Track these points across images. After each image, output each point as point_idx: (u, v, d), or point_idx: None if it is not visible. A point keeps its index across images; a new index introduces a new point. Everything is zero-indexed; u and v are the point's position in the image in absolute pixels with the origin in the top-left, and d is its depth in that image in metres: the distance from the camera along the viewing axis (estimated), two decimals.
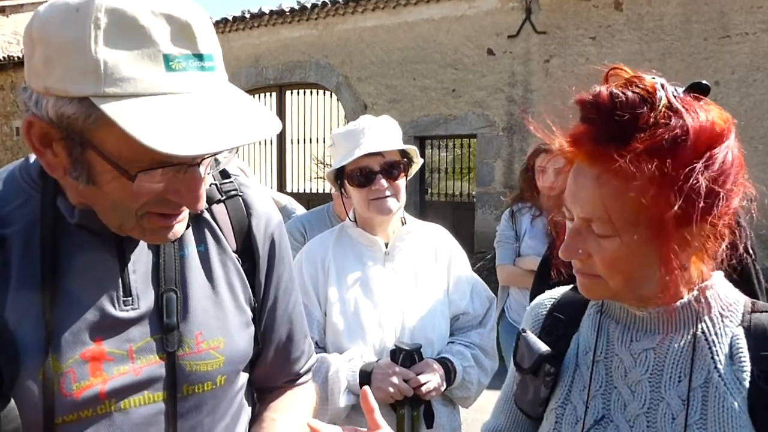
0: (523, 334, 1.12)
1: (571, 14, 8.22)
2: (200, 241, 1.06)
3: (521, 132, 8.60)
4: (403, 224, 2.01)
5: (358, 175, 1.89)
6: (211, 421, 1.05)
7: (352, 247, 1.97)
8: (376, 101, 9.80)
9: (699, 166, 0.86)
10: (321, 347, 1.89)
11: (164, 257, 1.01)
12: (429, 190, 10.04)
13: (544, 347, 1.08)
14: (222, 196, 1.10)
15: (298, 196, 11.13)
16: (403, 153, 1.95)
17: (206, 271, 1.05)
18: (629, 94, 0.89)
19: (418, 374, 1.77)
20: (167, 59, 0.79)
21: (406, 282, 1.92)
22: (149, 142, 0.75)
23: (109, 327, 0.95)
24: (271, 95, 11.38)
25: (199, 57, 0.82)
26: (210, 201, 1.08)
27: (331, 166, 2.00)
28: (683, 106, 0.89)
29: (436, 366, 1.81)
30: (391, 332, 1.86)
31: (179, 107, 0.79)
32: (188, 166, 0.87)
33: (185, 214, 0.96)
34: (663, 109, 0.88)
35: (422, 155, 9.60)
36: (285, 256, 1.19)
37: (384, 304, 1.88)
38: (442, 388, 1.82)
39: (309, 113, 11.07)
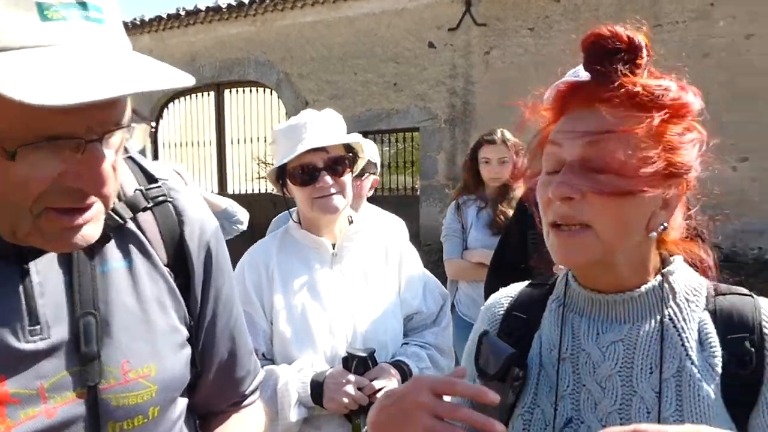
0: (486, 336, 1.04)
1: (510, 5, 8.27)
2: (124, 256, 0.93)
3: (463, 124, 8.64)
4: (350, 223, 1.91)
5: (300, 173, 1.77)
6: None
7: (297, 251, 1.85)
8: (318, 97, 9.64)
9: (689, 125, 0.93)
10: (269, 359, 1.78)
11: (79, 275, 0.87)
12: None
13: (510, 349, 1.00)
14: (149, 202, 0.97)
15: (240, 198, 10.90)
16: (348, 148, 1.85)
17: (132, 289, 0.93)
18: (638, 36, 0.92)
19: (372, 380, 1.67)
20: (41, 7, 0.67)
21: (355, 284, 1.82)
22: (13, 93, 0.61)
23: (12, 363, 0.80)
24: (209, 94, 11.04)
25: (83, 5, 0.70)
26: (135, 209, 0.96)
27: (273, 165, 1.88)
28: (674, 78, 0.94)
29: (392, 371, 1.73)
30: (342, 338, 1.76)
31: (55, 59, 0.67)
32: (86, 142, 0.72)
33: (95, 211, 0.79)
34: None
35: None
36: (224, 267, 1.08)
37: (333, 309, 1.78)
38: None
39: (249, 112, 10.83)
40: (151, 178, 1.01)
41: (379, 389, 1.67)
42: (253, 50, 10.25)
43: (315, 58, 9.70)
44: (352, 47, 9.37)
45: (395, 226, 2.48)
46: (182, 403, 1.02)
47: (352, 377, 1.66)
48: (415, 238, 9.17)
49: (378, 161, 2.85)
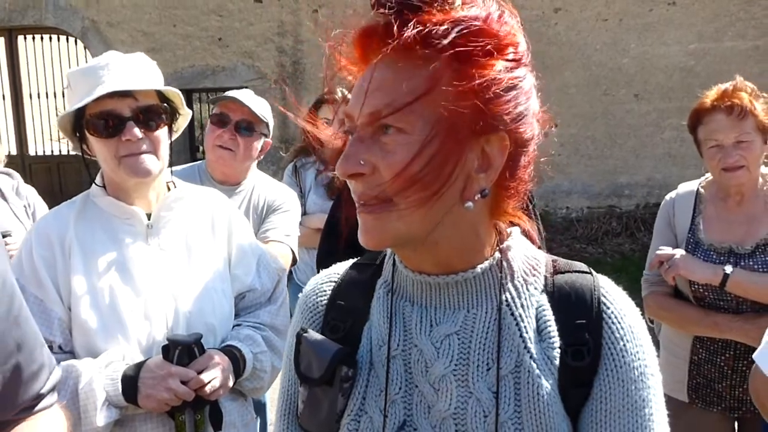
0: (304, 334, 0.87)
1: None
2: None
3: (294, 84, 8.37)
4: (169, 189, 1.64)
5: (101, 123, 1.46)
6: None
7: (101, 222, 1.54)
8: (132, 50, 8.52)
9: (502, 63, 0.76)
10: (67, 351, 1.47)
11: None
12: (201, 148, 9.41)
13: (334, 345, 0.85)
14: None
15: (45, 159, 9.78)
16: (164, 99, 1.56)
17: None
18: None
19: (199, 372, 1.45)
20: None
21: (176, 260, 1.56)
22: None
23: None
24: None
25: None
26: None
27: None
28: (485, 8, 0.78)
29: (221, 358, 1.51)
30: (161, 323, 1.50)
31: None
32: None
33: None
34: (458, 4, 0.76)
35: (191, 110, 8.93)
36: None
37: (149, 290, 1.51)
38: (231, 383, 1.52)
39: (51, 63, 9.64)
40: None
41: (207, 382, 1.45)
42: None
43: (126, 6, 8.80)
44: None
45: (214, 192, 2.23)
46: None
47: (174, 368, 1.42)
48: None
49: (271, 122, 2.56)
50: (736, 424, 2.17)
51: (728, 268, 1.97)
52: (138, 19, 8.78)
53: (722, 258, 2.05)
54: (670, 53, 7.79)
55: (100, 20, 8.92)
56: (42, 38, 9.57)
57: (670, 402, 2.41)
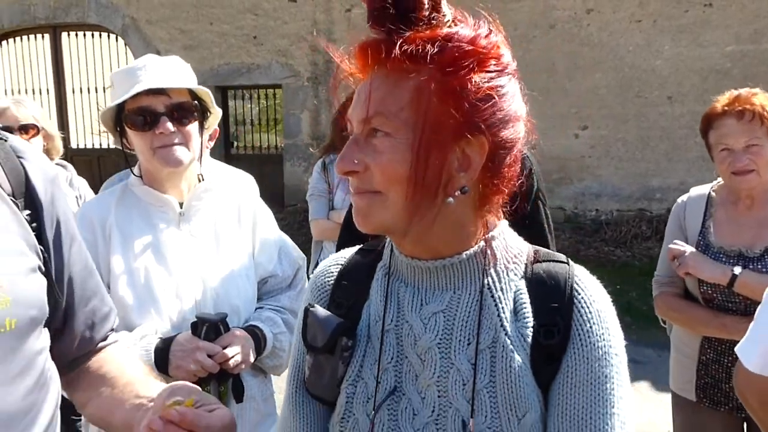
0: (311, 309, 0.99)
1: None
2: None
3: (327, 82, 8.51)
4: (200, 181, 1.77)
5: (137, 116, 1.60)
6: (7, 374, 0.95)
7: (138, 208, 1.69)
8: (170, 47, 9.00)
9: (481, 76, 0.85)
10: None
11: None
12: (235, 144, 9.61)
13: (336, 319, 0.97)
14: None
15: (86, 152, 10.08)
16: (195, 97, 1.70)
17: None
18: None
19: (224, 347, 1.58)
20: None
21: (205, 245, 1.70)
22: None
23: None
24: (43, 37, 9.94)
25: None
26: None
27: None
28: (473, 27, 0.88)
29: (244, 336, 1.64)
30: (190, 302, 1.64)
31: None
32: None
33: None
34: (448, 19, 0.87)
35: (225, 106, 9.14)
36: (69, 211, 1.13)
37: (181, 272, 1.65)
38: (252, 359, 1.65)
39: (93, 59, 9.91)
40: None
41: (231, 357, 1.58)
42: None
43: (165, 4, 9.03)
44: None
45: (246, 184, 2.36)
46: (43, 339, 1.05)
47: (201, 343, 1.56)
48: (280, 198, 9.07)
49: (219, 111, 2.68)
50: (745, 424, 2.20)
51: (737, 269, 1.99)
52: (176, 17, 9.01)
53: (732, 261, 2.07)
54: (706, 55, 7.68)
55: (140, 18, 9.18)
56: (84, 35, 9.83)
57: (679, 401, 2.42)
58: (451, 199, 0.88)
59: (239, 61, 8.86)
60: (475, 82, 0.85)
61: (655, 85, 7.88)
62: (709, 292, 2.10)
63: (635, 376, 4.91)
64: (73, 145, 10.15)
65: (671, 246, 2.15)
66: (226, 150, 9.19)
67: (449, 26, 0.87)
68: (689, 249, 2.11)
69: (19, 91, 10.23)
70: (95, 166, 10.00)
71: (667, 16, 7.77)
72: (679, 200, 2.32)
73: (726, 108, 2.07)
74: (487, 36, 0.88)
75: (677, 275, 2.17)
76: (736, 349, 1.38)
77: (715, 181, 2.27)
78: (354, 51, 0.91)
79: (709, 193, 2.23)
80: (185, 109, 1.64)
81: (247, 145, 9.65)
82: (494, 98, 0.86)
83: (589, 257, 7.56)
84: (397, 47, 0.83)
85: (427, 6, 0.85)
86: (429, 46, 0.84)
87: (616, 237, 7.85)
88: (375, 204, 0.89)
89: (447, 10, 0.88)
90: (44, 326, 1.06)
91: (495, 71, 0.87)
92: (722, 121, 2.08)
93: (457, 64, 0.84)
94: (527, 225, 2.10)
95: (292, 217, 8.29)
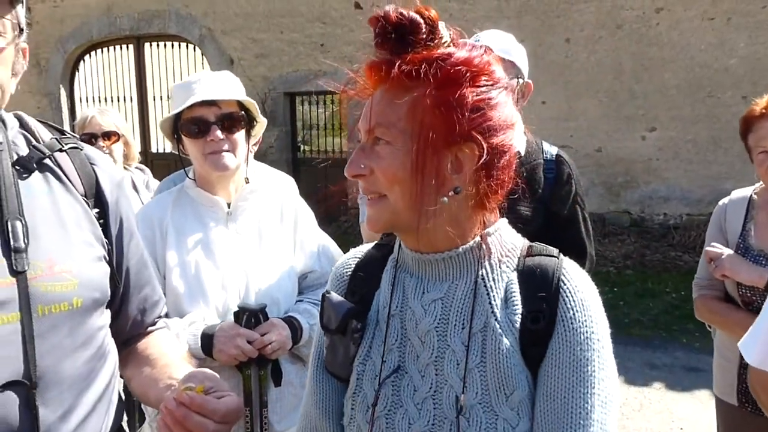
0: (327, 295, 1.12)
1: None
2: (46, 183, 1.17)
3: None
4: (246, 183, 1.95)
5: (191, 125, 1.80)
6: (72, 344, 1.12)
7: (192, 208, 1.88)
8: (243, 56, 9.42)
9: (472, 90, 0.96)
10: None
11: (5, 189, 1.10)
12: (302, 147, 9.91)
13: (348, 304, 1.10)
14: (63, 146, 1.22)
15: (164, 156, 10.64)
16: (243, 107, 1.87)
17: (53, 207, 1.15)
18: (413, 14, 0.97)
19: (263, 335, 1.74)
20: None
21: (249, 242, 1.87)
22: None
23: None
24: (128, 47, 10.59)
25: None
26: (51, 149, 1.20)
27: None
28: (468, 49, 0.99)
29: (282, 325, 1.79)
30: (234, 294, 1.82)
31: None
32: None
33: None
34: (446, 41, 0.98)
35: (293, 111, 9.46)
36: (130, 211, 1.32)
37: (227, 266, 1.82)
38: (289, 347, 1.81)
39: (172, 68, 10.44)
40: (61, 132, 1.27)
41: (269, 343, 1.74)
42: (173, 2, 9.85)
43: (239, 14, 9.43)
44: (277, 4, 9.16)
45: (287, 185, 2.53)
46: (105, 317, 1.23)
47: (242, 330, 1.72)
48: (344, 200, 9.14)
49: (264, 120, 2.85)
50: None
51: None
52: (249, 27, 9.39)
53: None
54: None
55: (216, 28, 9.63)
56: (165, 45, 10.35)
57: (722, 405, 2.41)
58: (445, 198, 0.99)
59: (307, 68, 9.14)
60: (466, 95, 0.96)
61: (728, 84, 7.57)
62: (748, 294, 2.08)
63: (696, 384, 4.79)
64: (153, 150, 10.66)
65: (708, 248, 2.16)
66: (292, 153, 9.49)
67: (447, 47, 0.98)
68: (726, 251, 2.11)
69: (105, 99, 10.90)
70: (173, 169, 10.32)
71: (742, 13, 7.47)
72: (720, 203, 2.30)
73: (764, 110, 2.06)
74: (480, 56, 0.98)
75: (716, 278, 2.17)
76: (738, 344, 1.39)
77: (758, 183, 2.25)
78: (364, 68, 1.04)
79: (751, 195, 2.22)
80: (233, 119, 1.82)
81: (320, 149, 9.93)
82: (484, 109, 0.97)
83: (655, 262, 7.35)
84: (396, 67, 0.96)
85: (424, 30, 0.96)
86: (425, 65, 0.95)
87: (685, 242, 7.59)
88: (380, 208, 1.02)
89: (445, 32, 0.99)
90: (106, 307, 1.24)
91: (486, 85, 0.98)
92: (761, 123, 2.07)
93: (451, 81, 0.95)
94: (565, 227, 2.16)
95: (355, 219, 8.48)
